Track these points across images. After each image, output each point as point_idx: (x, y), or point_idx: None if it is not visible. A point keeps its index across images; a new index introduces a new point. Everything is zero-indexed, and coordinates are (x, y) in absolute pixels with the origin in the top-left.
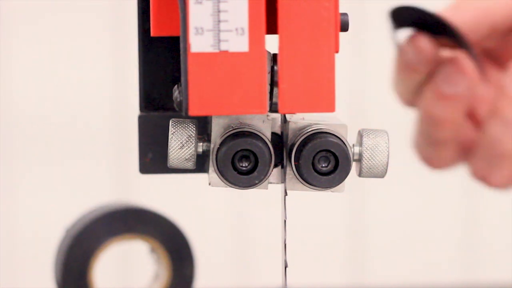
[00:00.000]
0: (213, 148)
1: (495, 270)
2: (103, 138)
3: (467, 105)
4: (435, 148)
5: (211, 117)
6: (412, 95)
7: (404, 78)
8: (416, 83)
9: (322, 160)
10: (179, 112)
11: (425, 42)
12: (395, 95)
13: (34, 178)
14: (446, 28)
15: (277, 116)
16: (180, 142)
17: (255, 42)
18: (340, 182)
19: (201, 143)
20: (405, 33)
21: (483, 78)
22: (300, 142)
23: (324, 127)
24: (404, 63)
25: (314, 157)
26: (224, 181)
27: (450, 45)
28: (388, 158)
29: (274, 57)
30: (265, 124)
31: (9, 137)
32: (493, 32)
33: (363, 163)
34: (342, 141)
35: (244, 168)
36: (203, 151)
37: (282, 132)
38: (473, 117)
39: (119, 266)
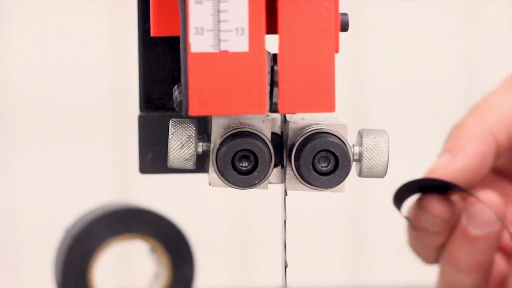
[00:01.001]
0: (213, 148)
1: None
2: (103, 138)
3: (497, 241)
4: None
5: (211, 117)
6: (437, 253)
7: (425, 243)
8: (441, 242)
9: (322, 160)
10: (179, 112)
11: (437, 205)
12: (416, 256)
13: (32, 178)
14: (449, 187)
15: (277, 116)
16: (180, 142)
17: (255, 42)
18: (340, 182)
19: (201, 143)
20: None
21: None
22: (300, 142)
23: (324, 127)
24: (423, 231)
25: (314, 157)
26: (224, 181)
27: (460, 195)
28: (388, 158)
29: (274, 57)
30: (265, 124)
31: (9, 136)
32: (499, 154)
33: (363, 163)
34: (342, 141)
35: (244, 168)
36: (203, 151)
37: (282, 132)
38: (503, 249)
39: (119, 266)
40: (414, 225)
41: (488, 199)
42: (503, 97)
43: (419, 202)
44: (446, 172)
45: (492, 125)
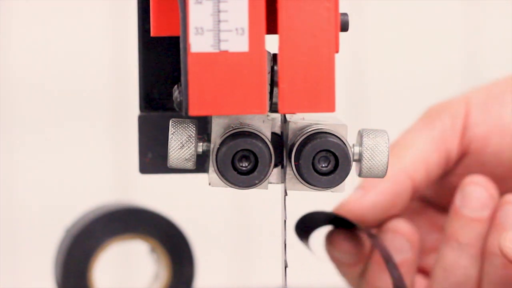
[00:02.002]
0: (213, 148)
1: None
2: (103, 138)
3: (415, 267)
4: None
5: (211, 117)
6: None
7: (345, 274)
8: (358, 272)
9: (322, 160)
10: (179, 112)
11: (343, 243)
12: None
13: (32, 179)
14: (347, 224)
15: (277, 116)
16: (180, 142)
17: (255, 42)
18: (340, 182)
19: (201, 143)
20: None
21: (389, 265)
22: (300, 142)
23: (324, 127)
24: (337, 263)
25: (314, 157)
26: (224, 181)
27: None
28: (388, 158)
29: (274, 57)
30: (265, 124)
31: (9, 136)
32: (417, 191)
33: (363, 163)
34: (342, 141)
35: (244, 168)
36: (203, 151)
37: (282, 132)
38: (422, 270)
39: (119, 266)
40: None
41: (400, 228)
42: (420, 134)
43: (328, 237)
44: (355, 207)
45: (407, 165)
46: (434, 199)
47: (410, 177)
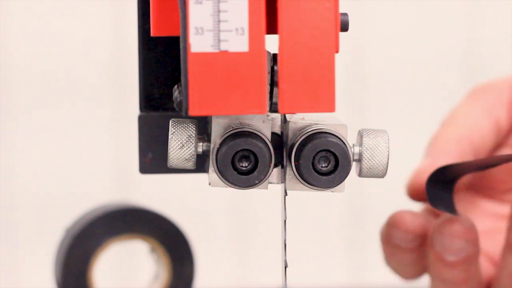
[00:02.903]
0: (213, 148)
1: None
2: (103, 138)
3: (477, 257)
4: None
5: (211, 117)
6: (415, 269)
7: (400, 260)
8: (415, 258)
9: (322, 160)
10: (179, 112)
11: (409, 219)
12: (395, 274)
13: (31, 180)
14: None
15: (277, 116)
16: (180, 142)
17: (255, 42)
18: (340, 182)
19: (201, 143)
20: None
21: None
22: (300, 142)
23: (324, 127)
24: (396, 248)
25: (314, 157)
26: (224, 181)
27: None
28: (388, 158)
29: (274, 57)
30: (265, 124)
31: (9, 134)
32: (484, 148)
33: (363, 163)
34: (342, 141)
35: (244, 168)
36: (203, 151)
37: (282, 132)
38: (487, 256)
39: (119, 266)
40: (385, 241)
41: (456, 232)
42: (470, 107)
43: (390, 218)
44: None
45: (466, 128)
46: (482, 186)
47: (469, 139)
